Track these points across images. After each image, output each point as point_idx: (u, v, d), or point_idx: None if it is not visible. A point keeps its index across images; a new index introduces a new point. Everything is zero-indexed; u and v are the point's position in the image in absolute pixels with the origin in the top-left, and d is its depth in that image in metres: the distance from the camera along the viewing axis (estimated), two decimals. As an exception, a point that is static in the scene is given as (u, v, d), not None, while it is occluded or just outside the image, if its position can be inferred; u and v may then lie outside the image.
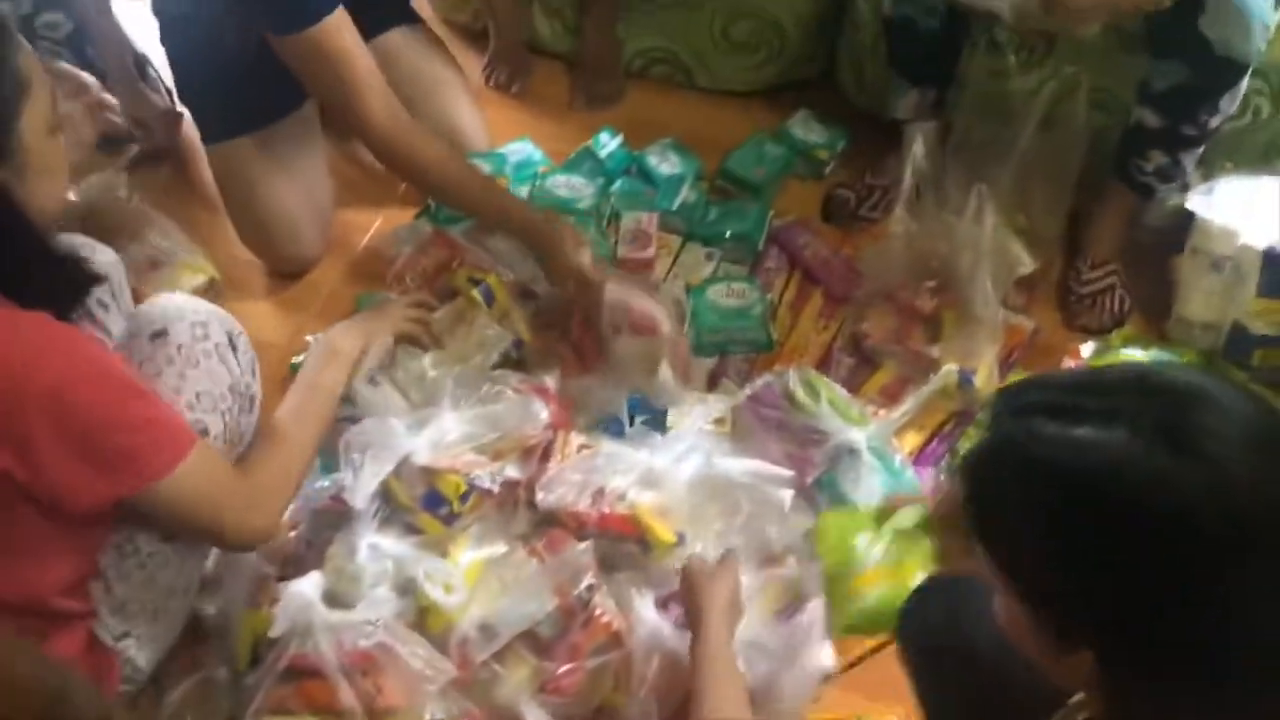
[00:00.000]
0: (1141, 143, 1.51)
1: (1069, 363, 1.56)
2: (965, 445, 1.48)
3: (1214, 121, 1.45)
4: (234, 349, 1.17)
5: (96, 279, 1.06)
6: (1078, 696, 0.74)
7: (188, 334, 1.13)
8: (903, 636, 1.05)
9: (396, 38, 1.81)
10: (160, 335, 1.12)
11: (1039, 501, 0.64)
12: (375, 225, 1.83)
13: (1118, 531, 0.61)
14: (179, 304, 1.17)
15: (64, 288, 1.01)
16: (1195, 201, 1.51)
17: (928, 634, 1.02)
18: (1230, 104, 1.44)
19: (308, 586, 1.09)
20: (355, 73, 1.44)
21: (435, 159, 1.49)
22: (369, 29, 1.78)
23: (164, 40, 1.72)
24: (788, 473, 1.37)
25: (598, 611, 1.23)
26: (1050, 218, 1.62)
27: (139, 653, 1.12)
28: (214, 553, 1.24)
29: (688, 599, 1.14)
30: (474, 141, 1.82)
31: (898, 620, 1.04)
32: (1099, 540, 0.61)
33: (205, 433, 1.12)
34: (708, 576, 1.14)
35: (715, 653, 1.04)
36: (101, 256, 1.20)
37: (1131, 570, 0.60)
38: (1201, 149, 1.51)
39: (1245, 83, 1.42)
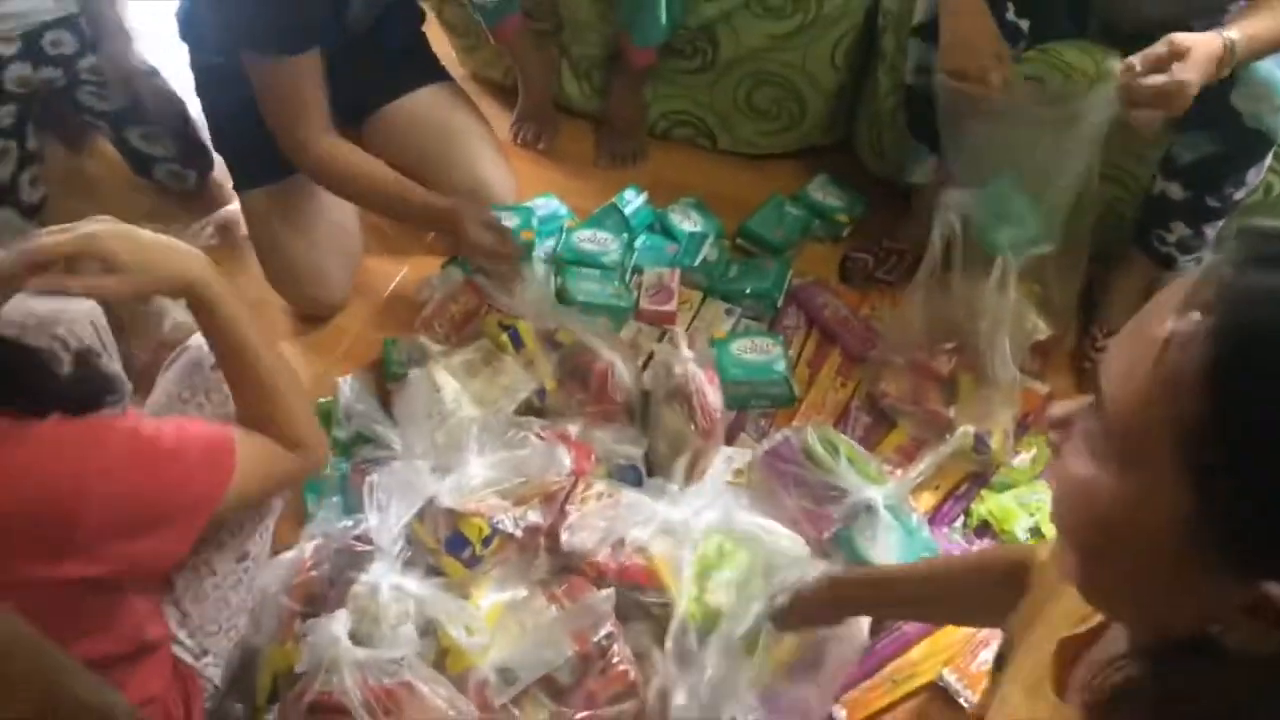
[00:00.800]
0: (1165, 214, 1.55)
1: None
2: (980, 506, 1.50)
3: (1238, 194, 1.49)
4: None
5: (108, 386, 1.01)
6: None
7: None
8: None
9: (426, 95, 1.86)
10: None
11: None
12: (402, 273, 1.87)
13: None
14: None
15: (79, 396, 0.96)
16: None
17: None
18: (1256, 176, 1.47)
19: (336, 623, 1.10)
20: (305, 105, 1.53)
21: (363, 179, 1.59)
22: (400, 87, 1.85)
23: (198, 92, 1.78)
24: (801, 543, 1.38)
25: (615, 660, 1.24)
26: (1065, 286, 1.65)
27: (215, 670, 1.16)
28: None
29: None
30: (500, 193, 1.86)
31: None
32: None
33: None
34: None
35: None
36: (77, 306, 1.22)
37: None
38: (1223, 221, 1.54)
39: (1270, 157, 1.46)
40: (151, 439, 0.95)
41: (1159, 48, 1.26)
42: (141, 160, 1.91)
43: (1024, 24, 1.56)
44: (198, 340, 1.19)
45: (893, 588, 1.10)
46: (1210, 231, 1.55)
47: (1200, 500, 0.48)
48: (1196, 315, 0.48)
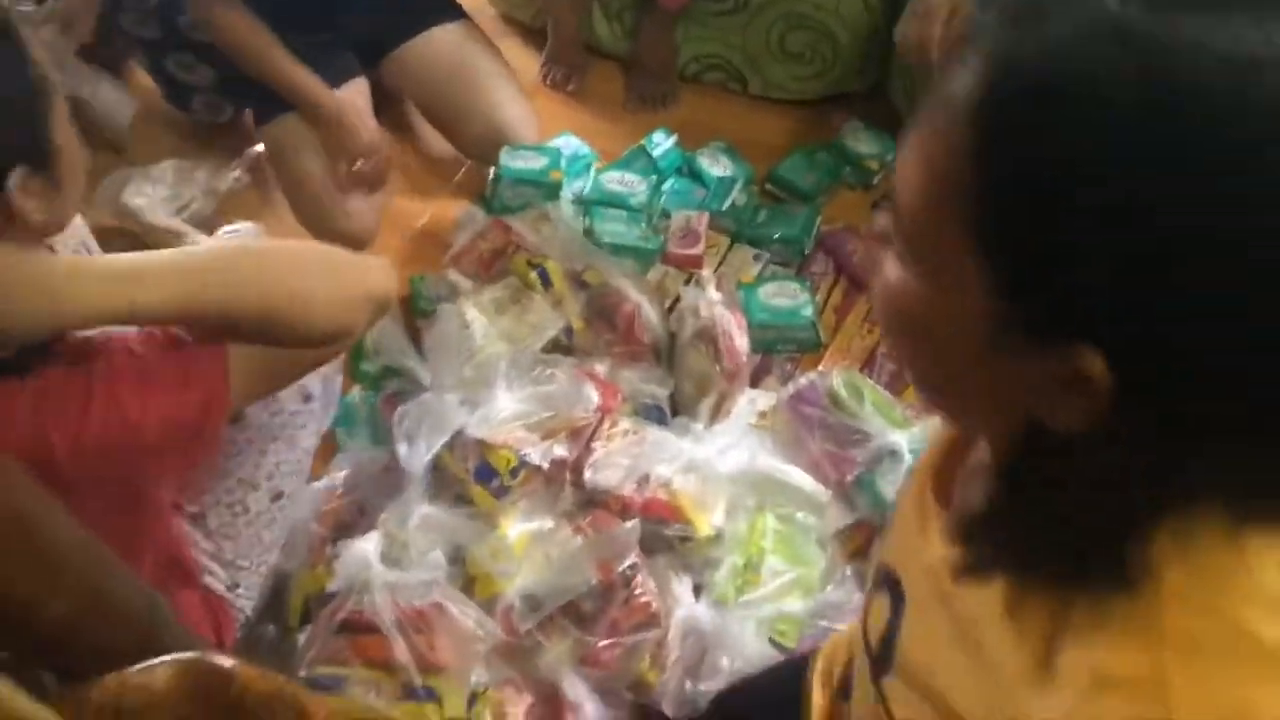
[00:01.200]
0: None
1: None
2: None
3: None
4: None
5: None
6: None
7: None
8: None
9: (441, 33, 1.85)
10: None
11: (1144, 117, 0.42)
12: (429, 212, 1.87)
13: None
14: None
15: None
16: None
17: None
18: None
19: (368, 545, 1.12)
20: None
21: (244, 50, 1.64)
22: (416, 24, 1.84)
23: None
24: (822, 487, 1.40)
25: (638, 591, 1.26)
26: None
27: (247, 601, 1.18)
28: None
29: None
30: (521, 133, 1.84)
31: None
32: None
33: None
34: None
35: None
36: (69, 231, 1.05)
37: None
38: None
39: None
40: (121, 386, 0.87)
41: None
42: (179, 89, 1.91)
43: None
44: None
45: None
46: None
47: (994, 278, 0.47)
48: (966, 86, 0.46)
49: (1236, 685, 0.46)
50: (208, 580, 1.16)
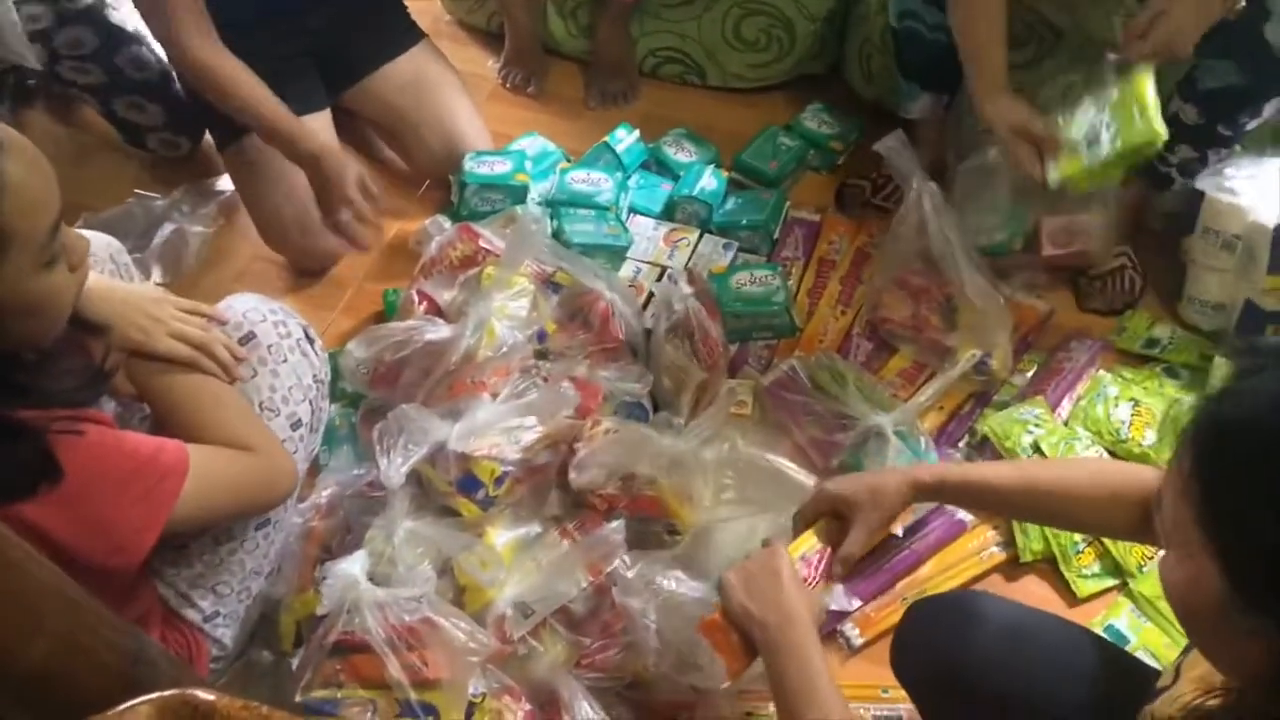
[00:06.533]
0: (1174, 136, 1.52)
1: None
2: (981, 425, 1.50)
3: (1251, 124, 1.48)
4: (310, 340, 1.24)
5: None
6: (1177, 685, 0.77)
7: (273, 333, 1.18)
8: (896, 665, 1.05)
9: (403, 60, 1.85)
10: (250, 339, 1.17)
11: None
12: (397, 226, 1.86)
13: None
14: (254, 304, 1.21)
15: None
16: (1205, 182, 1.54)
17: (922, 663, 1.02)
18: (1272, 109, 1.45)
19: (354, 565, 1.12)
20: (178, 10, 1.50)
21: (236, 97, 1.57)
22: (379, 52, 1.83)
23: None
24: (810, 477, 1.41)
25: (628, 590, 1.25)
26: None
27: (225, 631, 1.17)
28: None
29: (739, 615, 0.98)
30: (474, 141, 1.85)
31: (891, 648, 1.06)
32: None
33: (299, 423, 1.20)
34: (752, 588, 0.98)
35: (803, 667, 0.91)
36: (98, 240, 1.20)
37: None
38: (1228, 150, 1.52)
39: None
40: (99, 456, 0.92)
41: (1143, 18, 1.34)
42: (132, 130, 1.89)
43: None
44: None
45: (1004, 498, 1.04)
46: (1214, 157, 1.53)
47: (1220, 568, 0.63)
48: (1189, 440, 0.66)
49: None
50: (186, 611, 1.15)
